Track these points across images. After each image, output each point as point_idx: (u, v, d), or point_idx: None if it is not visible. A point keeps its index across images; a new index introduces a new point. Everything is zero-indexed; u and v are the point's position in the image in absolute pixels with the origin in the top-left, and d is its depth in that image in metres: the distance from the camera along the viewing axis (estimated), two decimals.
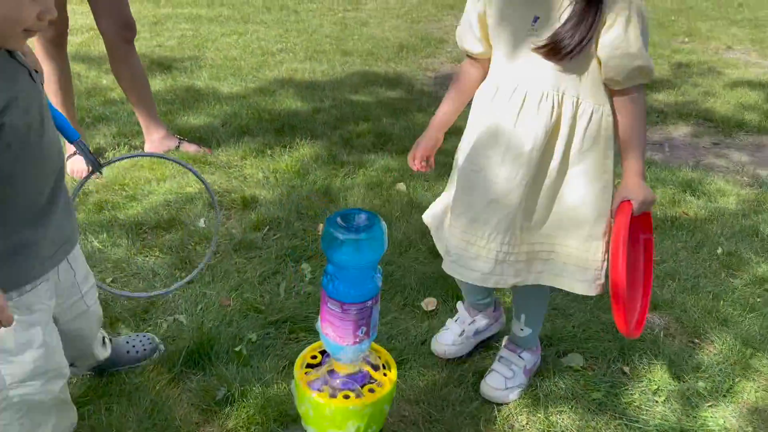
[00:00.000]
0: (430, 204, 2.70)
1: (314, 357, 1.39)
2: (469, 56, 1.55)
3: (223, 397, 1.60)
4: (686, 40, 6.18)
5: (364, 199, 2.68)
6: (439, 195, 2.76)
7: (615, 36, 1.29)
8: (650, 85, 4.67)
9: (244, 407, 1.58)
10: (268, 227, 2.43)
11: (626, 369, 1.82)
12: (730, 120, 4.09)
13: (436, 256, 2.28)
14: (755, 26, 6.71)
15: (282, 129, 3.37)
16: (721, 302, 2.13)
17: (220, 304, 1.96)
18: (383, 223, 1.22)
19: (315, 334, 1.84)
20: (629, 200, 1.38)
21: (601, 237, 1.45)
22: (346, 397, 1.26)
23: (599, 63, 1.34)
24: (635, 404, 1.70)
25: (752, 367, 1.87)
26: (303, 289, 2.07)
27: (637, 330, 1.49)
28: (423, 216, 1.75)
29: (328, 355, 1.35)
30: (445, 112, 1.61)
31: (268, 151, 3.08)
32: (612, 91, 1.38)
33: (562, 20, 1.30)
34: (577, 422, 1.63)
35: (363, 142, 3.32)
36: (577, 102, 1.36)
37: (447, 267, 1.54)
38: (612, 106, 1.39)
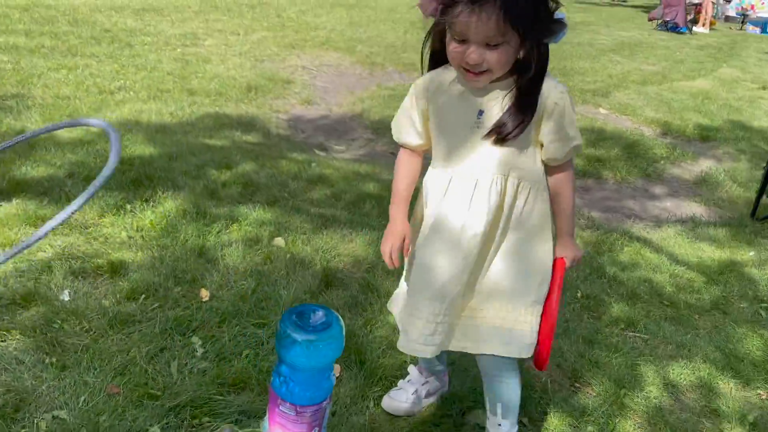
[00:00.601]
0: (311, 258, 2.70)
1: None
2: (405, 147, 1.61)
3: None
4: None
5: (244, 259, 2.57)
6: (318, 247, 2.77)
7: (554, 123, 1.43)
8: None
9: None
10: (143, 296, 2.23)
11: (525, 420, 1.92)
12: None
13: None
14: (564, 75, 7.55)
15: (139, 180, 3.14)
16: (591, 345, 2.34)
17: (107, 393, 1.76)
18: (341, 319, 1.19)
19: (219, 418, 1.73)
20: (562, 258, 1.56)
21: (544, 299, 1.55)
22: None
23: (540, 146, 1.48)
24: None
25: (627, 406, 2.07)
26: (196, 366, 1.93)
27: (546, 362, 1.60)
28: (387, 305, 1.80)
29: None
30: (403, 201, 1.61)
31: (128, 207, 2.84)
32: (548, 167, 1.52)
33: (506, 107, 1.43)
34: None
35: (230, 192, 3.20)
36: (519, 182, 1.48)
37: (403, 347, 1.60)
38: (547, 179, 1.54)
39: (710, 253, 3.36)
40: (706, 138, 5.65)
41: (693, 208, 4.07)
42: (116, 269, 2.35)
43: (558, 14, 1.34)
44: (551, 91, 1.42)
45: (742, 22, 16.50)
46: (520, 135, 1.42)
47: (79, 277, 2.28)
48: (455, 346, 1.58)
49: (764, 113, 6.83)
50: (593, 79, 7.49)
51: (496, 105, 1.43)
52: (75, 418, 1.66)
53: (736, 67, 9.75)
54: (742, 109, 6.86)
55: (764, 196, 3.98)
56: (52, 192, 2.89)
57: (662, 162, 4.91)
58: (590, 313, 2.58)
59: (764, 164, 4.84)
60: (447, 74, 1.48)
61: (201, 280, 2.38)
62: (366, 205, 3.29)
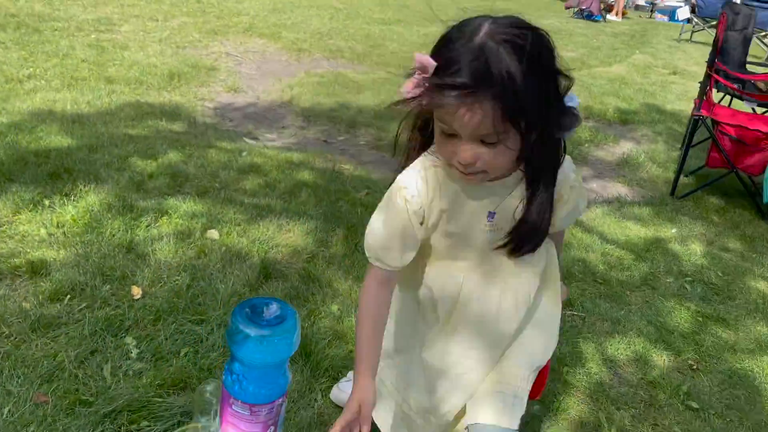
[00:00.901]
0: (248, 250, 2.60)
1: None
2: (382, 270, 1.26)
3: None
4: None
5: (176, 253, 2.45)
6: (254, 238, 2.67)
7: (571, 206, 1.28)
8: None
9: None
10: (68, 296, 2.09)
11: None
12: None
13: None
14: None
15: (57, 173, 2.94)
16: None
17: (33, 402, 1.63)
18: (296, 312, 1.13)
19: (160, 421, 1.64)
20: None
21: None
22: None
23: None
24: None
25: (570, 382, 2.11)
26: (132, 368, 1.82)
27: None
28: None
29: None
30: (374, 354, 1.26)
31: (46, 202, 2.66)
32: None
33: (520, 209, 1.20)
34: None
35: (157, 184, 3.05)
36: (542, 273, 1.35)
37: None
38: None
39: (636, 232, 3.48)
40: (625, 121, 5.86)
41: (618, 189, 4.21)
42: (36, 269, 2.19)
43: (569, 98, 1.10)
44: (567, 172, 1.23)
45: (651, 11, 17.26)
46: (541, 244, 1.25)
47: None
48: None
49: (676, 97, 7.16)
50: None
51: (508, 204, 1.21)
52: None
53: (648, 53, 10.18)
54: (655, 93, 7.16)
55: (682, 176, 4.16)
56: None
57: (586, 145, 5.05)
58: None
59: (679, 145, 5.09)
60: (439, 165, 1.20)
61: (131, 277, 2.25)
62: (302, 194, 3.21)
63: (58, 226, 2.51)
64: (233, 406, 1.09)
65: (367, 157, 4.19)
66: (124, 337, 1.95)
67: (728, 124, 3.85)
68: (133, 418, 1.64)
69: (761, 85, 4.63)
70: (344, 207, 3.16)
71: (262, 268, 2.44)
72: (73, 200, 2.71)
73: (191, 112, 4.46)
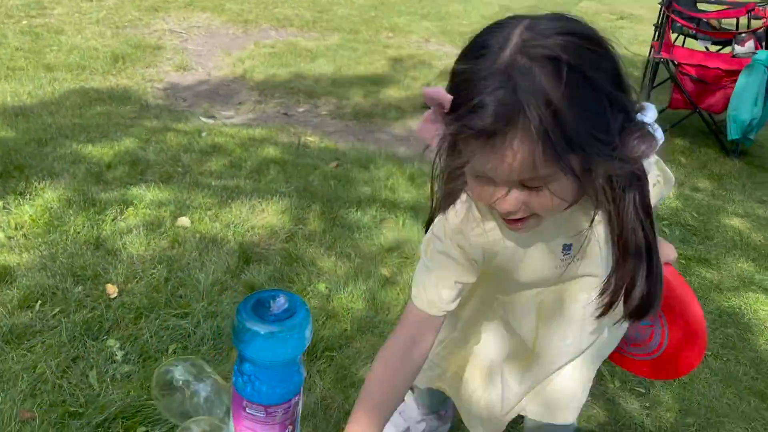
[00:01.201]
0: (223, 235, 2.49)
1: None
2: (424, 313, 1.05)
3: None
4: (390, 35, 6.68)
5: (148, 245, 2.33)
6: (228, 222, 2.56)
7: (656, 202, 1.03)
8: (378, 81, 4.96)
9: None
10: (39, 302, 1.96)
11: None
12: None
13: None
14: (441, 19, 7.55)
15: (6, 171, 2.76)
16: None
17: (20, 421, 1.52)
18: (306, 303, 1.04)
19: (158, 425, 1.56)
20: (666, 263, 1.17)
21: None
22: None
23: None
24: None
25: None
26: (118, 372, 1.72)
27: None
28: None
29: None
30: (378, 409, 1.03)
31: (0, 203, 2.49)
32: None
33: (603, 238, 0.99)
34: None
35: (117, 174, 2.89)
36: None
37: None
38: None
39: None
40: None
41: None
42: (0, 277, 2.05)
43: (646, 115, 0.86)
44: (648, 173, 0.96)
45: None
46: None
47: None
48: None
49: (627, 42, 7.18)
50: (468, 21, 7.54)
51: (587, 231, 0.96)
52: None
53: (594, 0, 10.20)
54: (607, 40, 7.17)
55: None
56: None
57: None
58: None
59: (638, 90, 5.11)
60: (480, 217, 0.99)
61: (104, 275, 2.13)
62: (270, 172, 3.10)
63: (16, 228, 2.35)
64: (247, 409, 1.01)
65: (331, 127, 4.08)
66: (106, 339, 1.84)
67: (689, 65, 3.86)
68: (128, 425, 1.55)
69: (714, 23, 4.66)
70: (316, 181, 3.06)
71: (241, 252, 2.34)
72: (29, 199, 2.55)
73: (141, 94, 4.26)
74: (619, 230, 0.93)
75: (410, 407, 1.59)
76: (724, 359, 2.09)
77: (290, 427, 1.05)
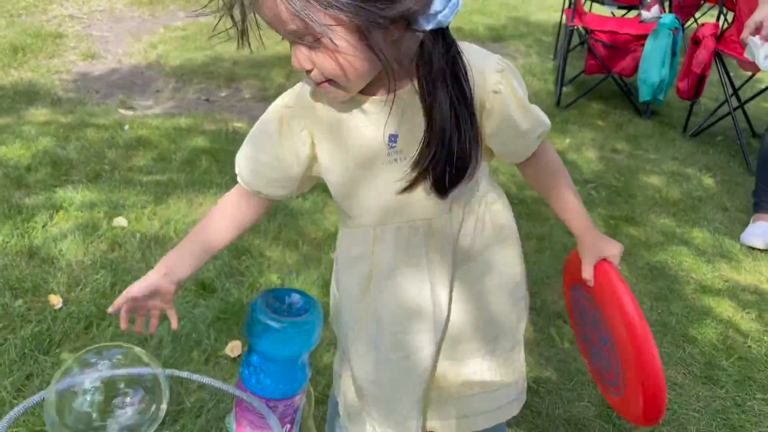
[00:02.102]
0: (164, 233, 2.42)
1: None
2: (250, 192, 1.09)
3: None
4: None
5: (87, 250, 2.24)
6: (167, 219, 2.49)
7: (499, 120, 1.00)
8: None
9: None
10: None
11: None
12: None
13: (209, 291, 2.08)
14: None
15: None
16: None
17: None
18: (318, 303, 1.05)
19: None
20: (604, 258, 1.11)
21: (522, 337, 1.21)
22: None
23: (489, 152, 1.07)
24: None
25: None
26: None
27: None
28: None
29: None
30: (189, 246, 1.09)
31: None
32: (518, 164, 1.13)
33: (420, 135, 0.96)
34: None
35: (39, 177, 2.75)
36: (464, 208, 1.07)
37: None
38: (492, 181, 1.15)
39: None
40: (497, 38, 5.98)
41: None
42: None
43: None
44: (484, 74, 0.96)
45: None
46: (468, 174, 0.97)
47: None
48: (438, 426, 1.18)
49: (537, 8, 7.39)
50: None
51: (416, 122, 0.95)
52: None
53: None
54: (518, 6, 7.34)
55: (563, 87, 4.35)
56: None
57: None
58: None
59: (551, 56, 5.29)
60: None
61: (45, 286, 2.04)
62: (202, 162, 3.03)
63: None
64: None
65: (257, 111, 4.00)
66: (59, 352, 1.78)
67: (601, 31, 4.03)
68: None
69: None
70: None
71: None
72: None
73: (50, 88, 4.02)
74: (429, 102, 0.92)
75: None
76: (659, 311, 2.25)
77: (289, 426, 1.07)
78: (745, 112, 3.90)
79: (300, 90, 1.02)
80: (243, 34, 0.90)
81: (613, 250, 1.12)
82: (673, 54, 3.83)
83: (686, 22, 5.39)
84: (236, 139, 3.35)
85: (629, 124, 3.99)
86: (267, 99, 4.18)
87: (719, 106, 3.80)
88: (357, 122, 0.99)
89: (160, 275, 1.05)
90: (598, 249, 1.12)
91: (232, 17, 0.88)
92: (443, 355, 1.14)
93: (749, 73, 3.97)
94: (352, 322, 1.13)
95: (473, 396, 1.16)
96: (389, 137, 0.98)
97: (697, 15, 5.75)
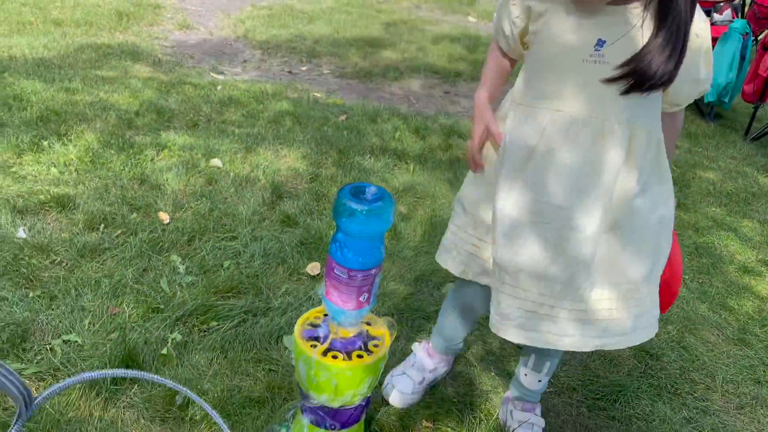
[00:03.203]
0: (254, 175, 2.72)
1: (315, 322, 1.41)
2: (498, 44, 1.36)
3: (183, 401, 1.51)
4: (381, 0, 6.86)
5: (188, 182, 2.56)
6: (256, 164, 2.79)
7: (692, 61, 1.15)
8: (378, 44, 5.17)
9: (208, 402, 1.52)
10: (102, 225, 2.19)
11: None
12: (449, 71, 4.79)
13: (293, 223, 2.36)
14: None
15: (45, 116, 2.94)
16: None
17: (110, 314, 1.77)
18: (392, 196, 1.30)
19: (227, 320, 1.82)
20: None
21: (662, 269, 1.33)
22: (359, 356, 1.34)
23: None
24: None
25: None
26: (184, 281, 1.97)
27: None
28: (440, 260, 1.49)
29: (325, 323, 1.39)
30: (487, 85, 1.40)
31: (45, 143, 2.69)
32: (664, 111, 1.26)
33: (638, 45, 1.11)
34: None
35: (146, 121, 3.10)
36: (647, 136, 1.21)
37: (506, 332, 1.32)
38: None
39: None
40: None
41: None
42: (63, 203, 2.27)
43: None
44: (694, 18, 1.12)
45: None
46: (661, 88, 1.13)
47: (28, 215, 2.19)
48: (588, 344, 1.29)
49: None
50: None
51: (627, 35, 1.11)
52: (87, 339, 1.67)
53: None
54: None
55: None
56: None
57: None
58: None
59: None
60: None
61: (155, 205, 2.36)
62: (286, 122, 3.33)
63: (65, 165, 2.56)
64: (335, 270, 1.28)
65: (334, 85, 4.30)
66: (168, 255, 2.08)
67: None
68: (203, 320, 1.81)
69: None
70: (329, 131, 3.30)
71: (273, 189, 2.59)
72: (71, 140, 2.75)
73: (151, 51, 4.42)
74: (656, 36, 1.09)
75: (422, 359, 1.69)
76: (700, 282, 2.41)
77: (366, 294, 1.33)
78: None
79: None
80: None
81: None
82: (743, 59, 3.92)
83: (760, 33, 5.41)
84: (316, 106, 3.64)
85: (691, 125, 4.10)
86: (344, 76, 4.47)
87: None
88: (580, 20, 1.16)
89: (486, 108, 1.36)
90: None
91: None
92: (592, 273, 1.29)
93: None
94: None
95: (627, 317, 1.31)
96: (597, 40, 1.14)
97: None
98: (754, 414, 1.83)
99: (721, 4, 4.02)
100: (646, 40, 1.11)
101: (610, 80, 1.13)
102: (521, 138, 1.26)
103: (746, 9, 4.64)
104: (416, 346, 1.73)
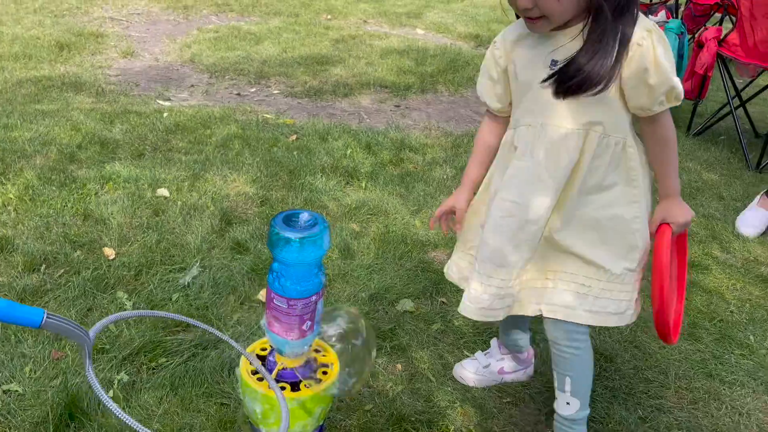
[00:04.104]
0: (202, 203, 2.68)
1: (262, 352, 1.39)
2: (489, 112, 1.52)
3: None
4: (329, 17, 6.88)
5: (135, 214, 2.51)
6: (204, 191, 2.76)
7: (635, 68, 1.25)
8: (327, 61, 5.17)
9: None
10: (43, 265, 2.13)
11: (444, 300, 2.19)
12: (399, 84, 4.81)
13: (243, 249, 2.33)
14: (377, 1, 7.78)
15: None
16: None
17: (52, 359, 1.71)
18: (326, 220, 1.29)
19: (176, 355, 1.78)
20: (667, 223, 1.39)
21: (639, 267, 1.44)
22: (307, 386, 1.32)
23: (621, 94, 1.30)
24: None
25: None
26: (130, 318, 1.92)
27: (675, 335, 1.50)
28: (446, 273, 1.66)
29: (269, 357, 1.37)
30: (469, 183, 1.56)
31: None
32: (639, 117, 1.35)
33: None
34: None
35: (89, 154, 3.03)
36: (603, 137, 1.33)
37: (472, 313, 1.47)
38: (635, 133, 1.39)
39: None
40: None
41: None
42: (1, 246, 2.21)
43: None
44: (635, 32, 1.24)
45: None
46: (590, 91, 1.25)
47: None
48: (528, 309, 1.47)
49: None
50: (404, 2, 7.81)
51: (572, 51, 1.26)
52: (28, 387, 1.62)
53: None
54: None
55: None
56: None
57: None
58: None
59: None
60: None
61: (99, 241, 2.31)
62: (235, 146, 3.30)
63: (4, 205, 2.49)
64: (274, 300, 1.26)
65: (283, 105, 4.28)
66: (114, 292, 2.03)
67: None
68: (151, 357, 1.76)
69: None
70: (279, 153, 3.28)
71: (222, 216, 2.56)
72: (11, 179, 2.67)
73: (95, 81, 4.34)
74: (584, 46, 1.26)
75: (494, 349, 1.86)
76: (648, 279, 2.45)
77: (309, 323, 1.31)
78: (748, 115, 4.10)
79: (501, 36, 1.43)
80: None
81: (678, 217, 1.40)
82: (680, 57, 4.04)
83: (696, 30, 5.59)
84: (266, 127, 3.62)
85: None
86: (294, 95, 4.46)
87: (722, 107, 4.00)
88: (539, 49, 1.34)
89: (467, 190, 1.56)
90: (666, 211, 1.41)
91: None
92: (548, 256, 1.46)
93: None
94: None
95: (575, 293, 1.44)
96: (551, 61, 1.31)
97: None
98: (708, 408, 1.86)
99: (656, 5, 4.14)
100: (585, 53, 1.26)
101: (545, 82, 1.31)
102: (505, 156, 1.47)
103: (681, 9, 4.79)
104: (493, 340, 1.88)
